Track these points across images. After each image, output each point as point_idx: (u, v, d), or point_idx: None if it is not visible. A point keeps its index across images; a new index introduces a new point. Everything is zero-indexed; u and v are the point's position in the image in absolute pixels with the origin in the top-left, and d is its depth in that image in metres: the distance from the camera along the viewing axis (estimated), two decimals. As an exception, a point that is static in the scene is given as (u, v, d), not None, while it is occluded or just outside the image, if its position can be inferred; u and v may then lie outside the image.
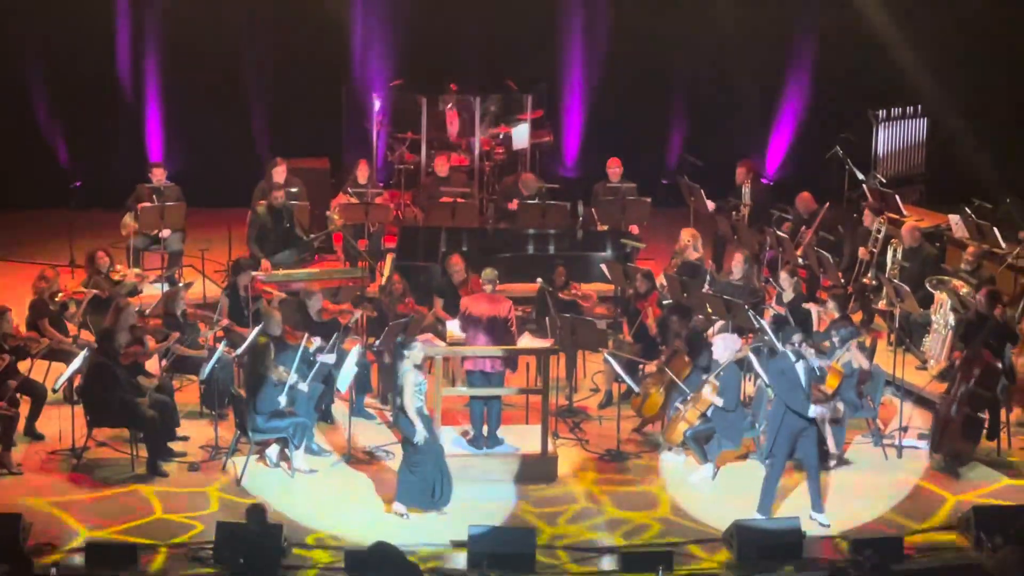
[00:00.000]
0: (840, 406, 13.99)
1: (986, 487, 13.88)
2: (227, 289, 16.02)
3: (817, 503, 13.10)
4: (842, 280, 17.07)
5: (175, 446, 14.30)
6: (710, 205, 19.01)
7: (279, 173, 18.66)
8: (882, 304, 16.73)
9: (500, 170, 20.69)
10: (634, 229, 18.43)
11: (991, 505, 13.28)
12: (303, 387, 13.95)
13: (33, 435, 14.47)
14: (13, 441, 13.98)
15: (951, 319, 15.89)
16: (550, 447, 14.11)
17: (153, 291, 17.15)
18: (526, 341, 15.20)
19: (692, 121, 22.50)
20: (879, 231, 17.53)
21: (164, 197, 18.11)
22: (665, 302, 15.89)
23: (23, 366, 14.60)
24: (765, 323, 14.95)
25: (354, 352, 14.16)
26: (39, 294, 15.47)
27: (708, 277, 16.62)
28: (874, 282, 17.11)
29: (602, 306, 16.97)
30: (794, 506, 13.27)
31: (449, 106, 20.70)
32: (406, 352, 13.02)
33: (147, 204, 17.90)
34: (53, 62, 21.34)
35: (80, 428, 14.04)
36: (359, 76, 21.85)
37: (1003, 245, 17.31)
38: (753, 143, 22.28)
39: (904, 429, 14.77)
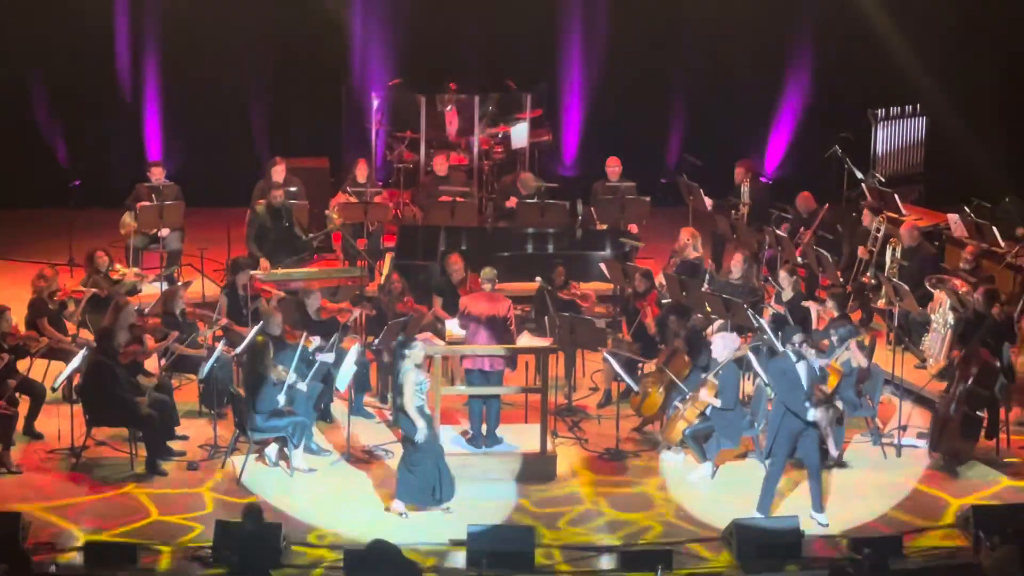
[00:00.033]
0: (839, 404, 13.98)
1: (986, 489, 13.86)
2: (226, 288, 16.02)
3: (817, 503, 13.09)
4: (841, 279, 17.07)
5: (174, 445, 14.30)
6: (708, 202, 19.01)
7: (278, 172, 18.66)
8: (881, 303, 16.75)
9: (499, 169, 20.69)
10: (633, 228, 18.44)
11: (990, 504, 13.27)
12: (302, 386, 13.95)
13: (32, 434, 14.46)
14: (12, 440, 13.98)
15: (950, 318, 15.89)
16: (549, 446, 14.12)
17: (152, 290, 17.17)
18: (525, 340, 15.20)
19: (691, 120, 22.51)
20: (878, 230, 17.54)
21: (163, 196, 18.11)
22: (664, 301, 15.90)
23: (22, 365, 14.60)
24: (764, 322, 14.96)
25: (353, 351, 14.16)
26: (38, 293, 15.47)
27: (707, 276, 16.63)
28: (873, 281, 17.12)
29: (601, 305, 16.96)
30: (794, 506, 13.26)
31: (448, 105, 20.71)
32: (407, 352, 13.01)
33: (146, 203, 17.91)
34: (53, 61, 21.33)
35: (79, 427, 14.02)
36: (358, 75, 21.86)
37: (1002, 244, 17.33)
38: (752, 142, 22.30)
39: (903, 428, 14.76)
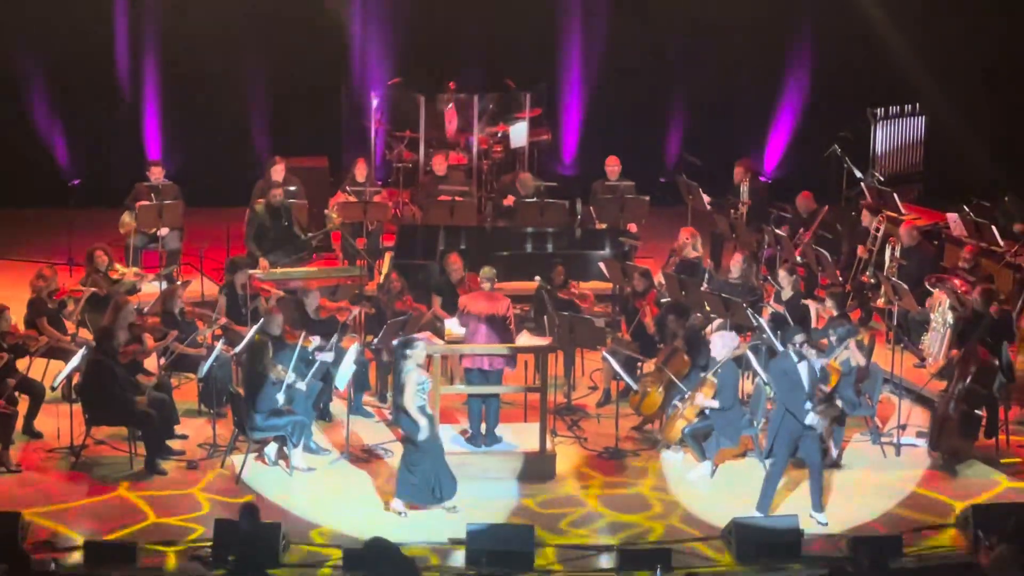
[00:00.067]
0: (839, 403, 13.98)
1: (986, 491, 13.82)
2: (225, 287, 16.03)
3: (817, 502, 13.08)
4: (840, 278, 17.08)
5: (174, 444, 14.29)
6: (706, 199, 19.02)
7: (278, 172, 18.66)
8: (880, 302, 16.75)
9: (498, 168, 20.70)
10: (632, 227, 18.44)
11: (989, 503, 13.25)
12: (301, 385, 13.94)
13: (31, 433, 14.46)
14: (11, 439, 13.98)
15: (950, 317, 15.89)
16: (548, 445, 14.11)
17: (151, 289, 17.17)
18: (524, 339, 15.19)
19: (691, 120, 22.51)
20: (877, 229, 17.54)
21: (162, 196, 18.12)
22: (663, 300, 15.90)
23: (21, 364, 14.60)
24: (763, 321, 14.96)
25: (352, 350, 14.15)
26: (37, 292, 15.47)
27: (706, 275, 16.63)
28: (872, 280, 17.12)
29: (600, 304, 16.96)
30: (793, 505, 13.26)
31: (448, 105, 20.71)
32: (409, 352, 12.99)
33: (145, 203, 17.92)
34: (52, 61, 21.35)
35: (79, 426, 14.02)
36: (358, 75, 21.87)
37: (1001, 243, 17.33)
38: (751, 141, 22.30)
39: (902, 427, 14.76)
